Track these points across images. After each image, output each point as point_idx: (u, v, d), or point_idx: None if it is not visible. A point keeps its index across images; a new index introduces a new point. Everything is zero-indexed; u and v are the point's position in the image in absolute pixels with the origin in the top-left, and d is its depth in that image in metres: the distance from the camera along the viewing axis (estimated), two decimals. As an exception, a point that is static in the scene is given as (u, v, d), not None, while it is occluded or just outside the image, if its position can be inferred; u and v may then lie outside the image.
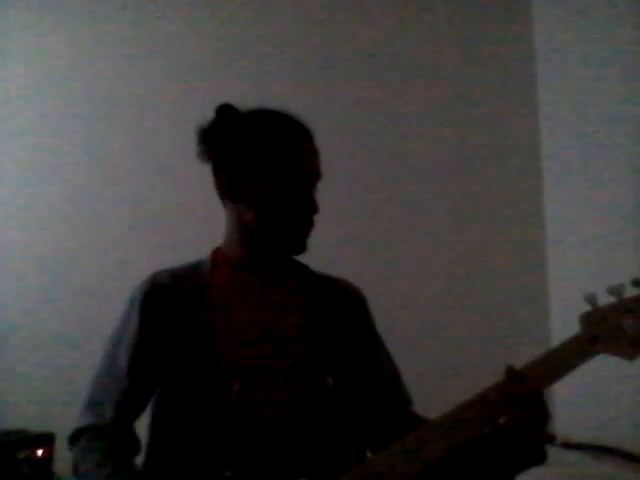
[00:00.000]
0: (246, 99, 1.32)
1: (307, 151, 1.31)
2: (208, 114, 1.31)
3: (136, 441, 1.26)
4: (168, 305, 1.27)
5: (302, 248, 1.31)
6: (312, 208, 1.29)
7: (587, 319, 1.08)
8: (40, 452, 2.42)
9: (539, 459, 1.10)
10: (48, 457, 2.44)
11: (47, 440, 2.45)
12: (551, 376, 1.08)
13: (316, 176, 1.31)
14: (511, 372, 1.08)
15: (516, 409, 1.06)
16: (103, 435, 1.23)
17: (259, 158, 1.27)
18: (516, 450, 1.09)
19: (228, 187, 1.30)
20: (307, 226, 1.30)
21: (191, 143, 1.31)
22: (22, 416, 2.55)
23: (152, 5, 2.95)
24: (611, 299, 1.07)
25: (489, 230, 2.70)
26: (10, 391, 2.66)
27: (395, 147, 2.76)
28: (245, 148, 1.28)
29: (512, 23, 2.82)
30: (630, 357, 1.04)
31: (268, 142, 1.28)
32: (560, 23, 2.67)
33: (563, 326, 1.12)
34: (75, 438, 1.26)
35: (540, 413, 1.08)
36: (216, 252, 1.36)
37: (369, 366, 1.34)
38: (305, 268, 1.38)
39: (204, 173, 1.33)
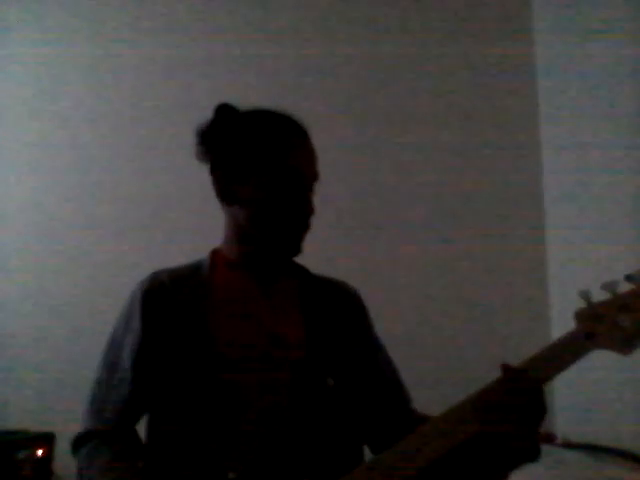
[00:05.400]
0: (247, 97, 1.32)
1: (303, 152, 1.29)
2: (209, 112, 1.30)
3: (140, 444, 1.25)
4: (168, 304, 1.26)
5: (296, 250, 1.30)
6: (307, 210, 1.27)
7: (582, 315, 1.08)
8: (40, 452, 2.42)
9: (534, 456, 1.10)
10: (48, 457, 2.45)
11: (47, 440, 2.45)
12: (548, 372, 1.08)
13: (312, 178, 1.29)
14: (507, 369, 1.09)
15: (514, 405, 1.06)
16: (108, 440, 1.22)
17: (253, 159, 1.26)
18: (512, 446, 1.08)
19: (224, 187, 1.28)
20: (302, 228, 1.28)
21: (192, 141, 1.31)
22: (22, 416, 2.56)
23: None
24: (606, 295, 1.07)
25: (489, 230, 2.70)
26: (10, 391, 2.67)
27: (394, 148, 2.76)
28: (241, 148, 1.27)
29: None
30: (625, 352, 1.04)
31: (263, 143, 1.26)
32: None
33: (563, 326, 1.12)
34: (78, 443, 1.25)
35: (537, 410, 1.07)
36: (215, 253, 1.35)
37: (369, 366, 1.33)
38: (304, 270, 1.38)
39: (205, 172, 1.33)
